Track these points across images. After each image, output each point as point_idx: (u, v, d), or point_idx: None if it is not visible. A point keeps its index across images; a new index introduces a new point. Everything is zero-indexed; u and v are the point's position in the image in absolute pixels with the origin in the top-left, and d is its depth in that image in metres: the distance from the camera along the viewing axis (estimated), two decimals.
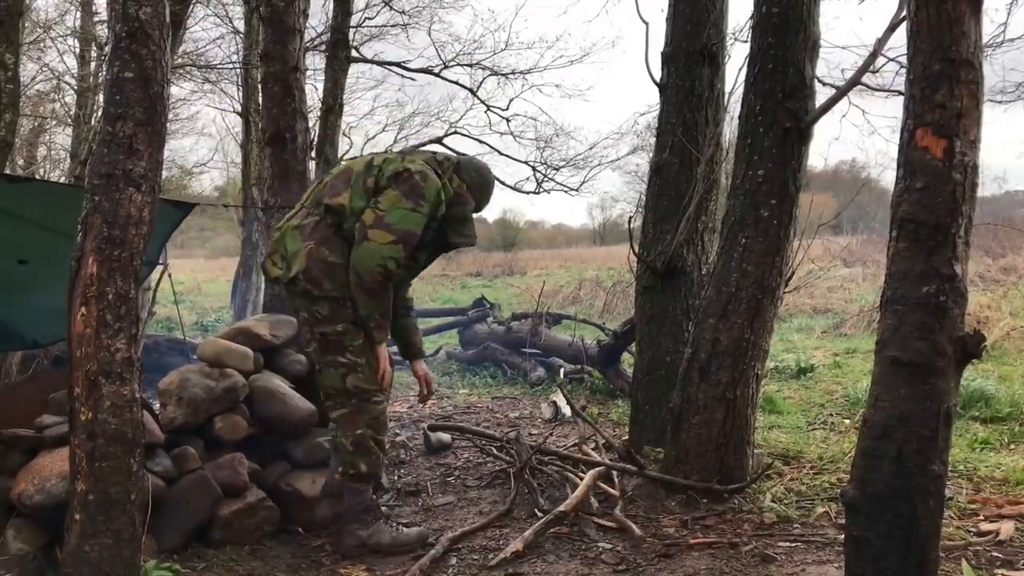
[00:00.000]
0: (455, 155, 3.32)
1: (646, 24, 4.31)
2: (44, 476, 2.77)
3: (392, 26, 12.99)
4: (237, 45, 12.40)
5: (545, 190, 13.98)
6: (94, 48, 11.46)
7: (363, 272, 2.89)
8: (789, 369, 6.93)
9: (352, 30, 10.01)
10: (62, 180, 11.90)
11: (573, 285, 14.72)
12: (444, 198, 3.06)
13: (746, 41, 3.59)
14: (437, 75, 12.81)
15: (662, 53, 4.33)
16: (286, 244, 3.01)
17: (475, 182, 3.21)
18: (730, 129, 5.02)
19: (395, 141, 15.20)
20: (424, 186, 2.97)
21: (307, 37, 8.07)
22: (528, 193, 14.00)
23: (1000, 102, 6.35)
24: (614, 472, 3.65)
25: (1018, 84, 6.30)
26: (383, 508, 3.35)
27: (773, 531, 3.10)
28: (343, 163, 3.19)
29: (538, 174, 13.91)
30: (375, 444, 3.08)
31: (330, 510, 3.14)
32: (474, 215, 3.24)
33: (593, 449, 4.26)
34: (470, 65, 13.06)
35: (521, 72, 13.28)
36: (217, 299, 15.94)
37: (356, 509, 3.10)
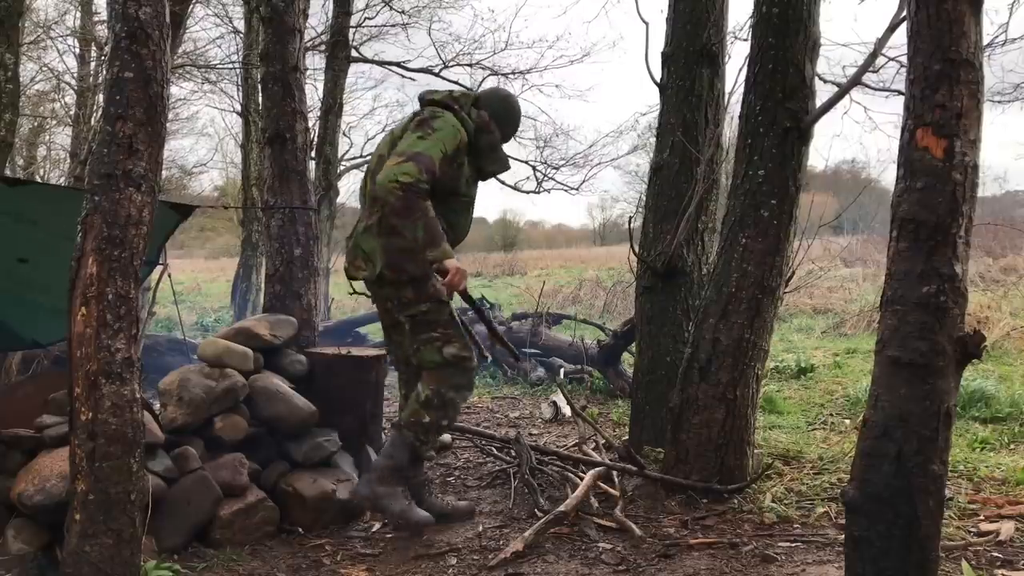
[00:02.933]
0: (474, 90, 3.41)
1: (646, 24, 4.31)
2: (44, 476, 2.77)
3: (392, 26, 13.01)
4: (237, 45, 12.40)
5: (545, 189, 13.99)
6: (94, 48, 11.46)
7: (382, 193, 2.92)
8: (789, 369, 6.93)
9: (352, 30, 10.01)
10: (62, 180, 11.92)
11: (573, 285, 14.70)
12: (466, 129, 3.16)
13: (746, 41, 3.59)
14: (437, 75, 12.82)
15: (662, 53, 4.33)
16: (362, 246, 3.14)
17: (497, 111, 3.29)
18: (730, 129, 5.03)
19: None
20: (432, 122, 3.09)
21: (307, 37, 8.07)
22: (528, 192, 14.01)
23: (1000, 102, 6.35)
24: (614, 472, 3.65)
25: (1017, 85, 6.30)
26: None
27: (773, 531, 3.10)
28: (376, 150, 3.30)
29: (538, 173, 13.92)
30: (451, 406, 3.21)
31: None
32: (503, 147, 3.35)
33: (593, 449, 4.27)
34: (470, 65, 13.08)
35: (521, 72, 13.29)
36: (217, 299, 15.91)
37: (391, 464, 3.13)
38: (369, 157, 3.34)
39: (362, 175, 3.17)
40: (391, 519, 3.06)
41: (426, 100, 3.29)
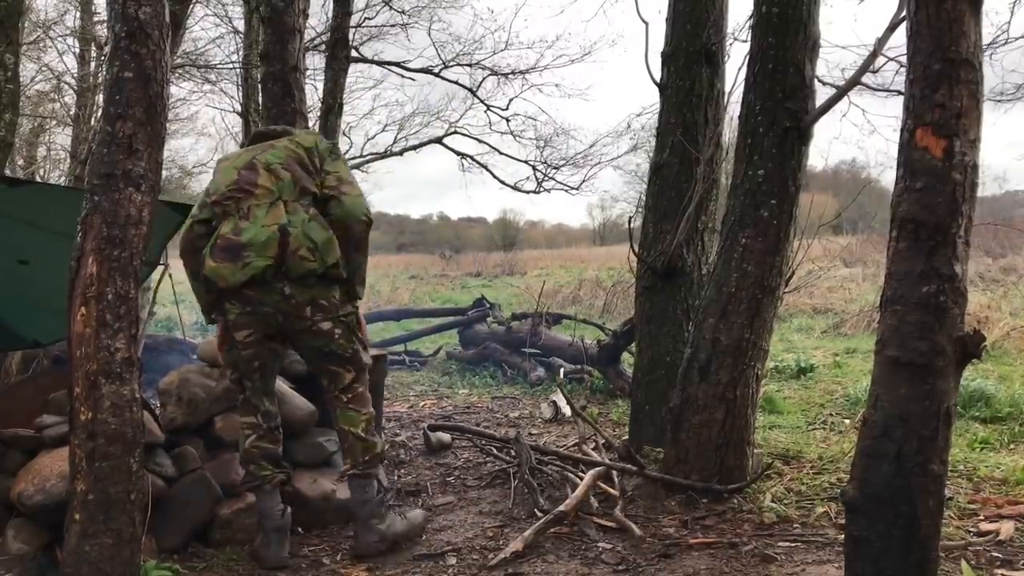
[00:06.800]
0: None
1: (646, 24, 4.31)
2: (44, 476, 2.77)
3: (392, 26, 12.98)
4: (237, 45, 12.38)
5: (545, 189, 13.96)
6: (94, 48, 11.45)
7: (353, 223, 2.99)
8: (789, 369, 6.93)
9: (352, 30, 10.00)
10: (62, 180, 11.91)
11: (573, 285, 14.70)
12: None
13: (746, 41, 3.59)
14: (437, 75, 12.82)
15: (662, 53, 4.33)
16: (311, 235, 2.89)
17: None
18: (730, 129, 5.03)
19: (395, 141, 15.19)
20: (340, 153, 3.21)
21: (307, 37, 8.05)
22: (528, 192, 14.00)
23: (1000, 101, 6.34)
24: (614, 472, 3.65)
25: (1019, 86, 6.29)
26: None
27: (773, 531, 3.10)
28: (271, 152, 3.03)
29: (538, 173, 13.90)
30: (375, 421, 3.14)
31: (377, 534, 3.04)
32: None
33: (593, 449, 4.26)
34: (470, 65, 13.06)
35: (521, 72, 13.27)
36: None
37: (373, 502, 3.05)
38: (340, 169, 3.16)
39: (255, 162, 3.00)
40: (404, 538, 3.09)
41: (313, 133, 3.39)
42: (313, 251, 2.88)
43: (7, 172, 5.62)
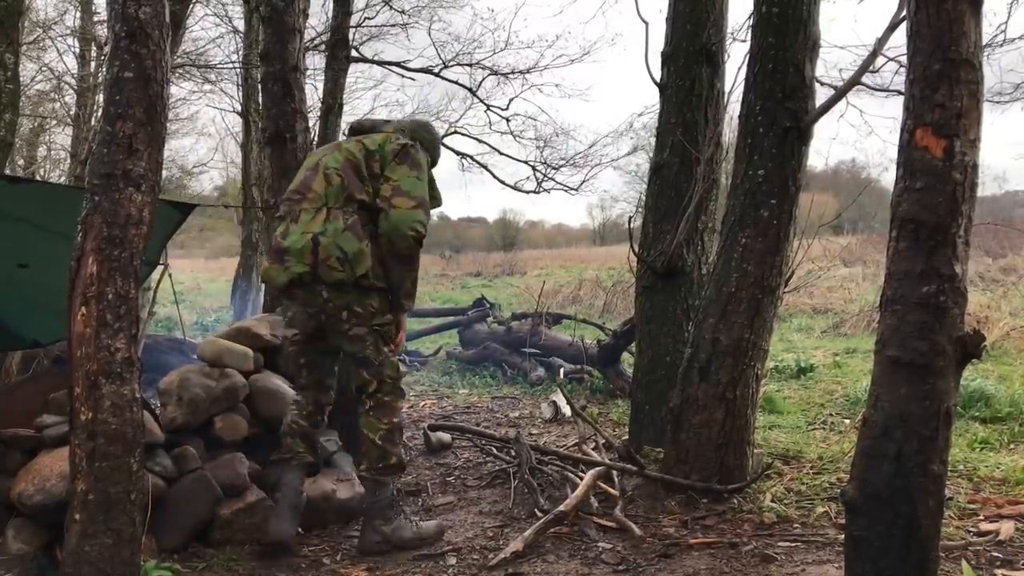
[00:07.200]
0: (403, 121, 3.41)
1: (646, 24, 4.31)
2: (44, 476, 2.77)
3: (392, 26, 12.99)
4: (237, 45, 12.40)
5: (545, 190, 13.96)
6: (94, 48, 11.46)
7: (397, 238, 3.00)
8: (789, 369, 6.93)
9: (352, 30, 10.01)
10: (62, 180, 11.91)
11: (573, 285, 14.71)
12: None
13: (746, 41, 3.59)
14: (437, 75, 12.82)
15: (662, 53, 4.33)
16: (342, 245, 2.93)
17: (427, 141, 3.32)
18: (730, 129, 5.03)
19: None
20: (418, 157, 3.14)
21: (307, 37, 8.05)
22: (528, 192, 14.00)
23: (998, 102, 6.34)
24: (614, 472, 3.65)
25: (1016, 85, 6.29)
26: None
27: (773, 531, 3.10)
28: (334, 154, 3.10)
29: (538, 174, 13.90)
30: (399, 432, 3.15)
31: (379, 534, 3.08)
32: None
33: (593, 449, 4.27)
34: (470, 65, 13.07)
35: (521, 72, 13.27)
36: (217, 299, 15.91)
37: (380, 504, 3.09)
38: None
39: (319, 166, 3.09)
40: (410, 545, 3.08)
41: (398, 128, 3.29)
42: (342, 261, 2.94)
43: (7, 172, 5.62)
